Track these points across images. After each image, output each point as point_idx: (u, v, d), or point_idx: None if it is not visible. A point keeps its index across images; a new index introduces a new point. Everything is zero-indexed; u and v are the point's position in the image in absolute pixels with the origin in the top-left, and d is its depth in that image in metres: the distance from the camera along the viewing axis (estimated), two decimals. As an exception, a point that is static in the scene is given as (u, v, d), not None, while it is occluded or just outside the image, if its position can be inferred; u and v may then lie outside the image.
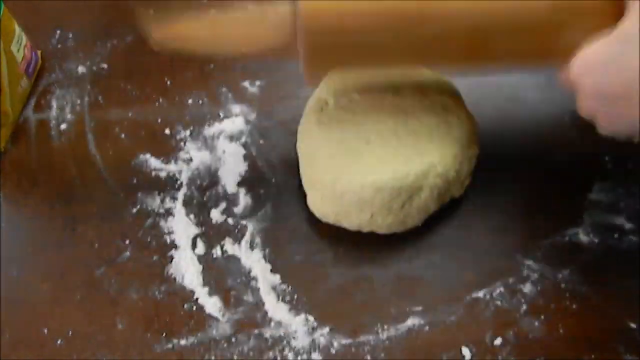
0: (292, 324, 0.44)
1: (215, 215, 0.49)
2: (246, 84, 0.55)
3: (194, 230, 0.48)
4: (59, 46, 0.58)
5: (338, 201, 0.46)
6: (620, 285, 0.45)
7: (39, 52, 0.56)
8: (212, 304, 0.45)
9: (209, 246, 0.48)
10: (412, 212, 0.47)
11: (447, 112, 0.48)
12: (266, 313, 0.45)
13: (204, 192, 0.50)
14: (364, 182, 0.45)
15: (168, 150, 0.52)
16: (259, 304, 0.45)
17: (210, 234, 0.48)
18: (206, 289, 0.46)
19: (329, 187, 0.46)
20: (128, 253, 0.47)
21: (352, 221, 0.47)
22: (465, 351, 0.43)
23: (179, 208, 0.49)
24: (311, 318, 0.44)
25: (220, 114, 0.54)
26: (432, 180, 0.46)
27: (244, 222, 0.49)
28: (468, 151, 0.47)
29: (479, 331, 0.44)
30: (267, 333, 0.44)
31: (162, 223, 0.48)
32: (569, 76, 0.38)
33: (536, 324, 0.44)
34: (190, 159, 0.51)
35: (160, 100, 0.54)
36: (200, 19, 0.43)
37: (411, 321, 0.44)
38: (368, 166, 0.46)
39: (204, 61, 0.56)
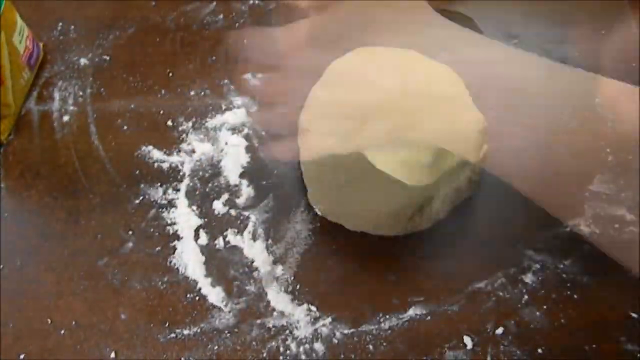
0: (295, 314, 0.44)
1: (218, 206, 0.49)
2: (248, 75, 0.55)
3: (197, 221, 0.48)
4: (61, 38, 0.58)
5: (341, 207, 0.46)
6: (621, 275, 0.45)
7: (41, 44, 0.56)
8: (215, 294, 0.45)
9: (212, 237, 0.48)
10: (421, 222, 0.46)
11: (456, 112, 0.47)
12: (269, 303, 0.45)
13: (207, 183, 0.50)
14: (370, 198, 0.44)
15: (170, 141, 0.52)
16: (261, 294, 0.45)
17: (213, 225, 0.48)
18: (209, 279, 0.46)
19: (332, 194, 0.46)
20: (131, 244, 0.47)
21: (355, 226, 0.47)
22: (467, 340, 0.43)
23: (181, 199, 0.49)
24: (313, 308, 0.45)
25: (223, 105, 0.54)
26: (443, 190, 0.45)
27: (246, 213, 0.49)
28: (480, 153, 0.46)
29: (480, 321, 0.44)
30: (270, 323, 0.44)
31: (164, 214, 0.49)
32: None
33: (537, 313, 0.44)
34: (193, 151, 0.52)
35: (163, 91, 0.55)
36: None
37: (413, 311, 0.45)
38: (375, 175, 0.45)
39: (206, 53, 0.57)
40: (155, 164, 0.51)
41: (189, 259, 0.47)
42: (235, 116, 0.53)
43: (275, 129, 0.48)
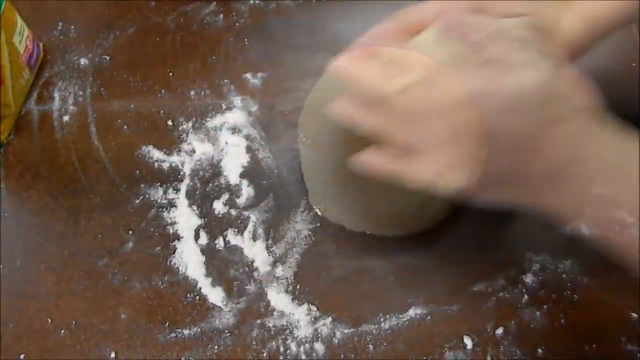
0: (295, 314, 0.44)
1: (218, 206, 0.49)
2: (248, 75, 0.55)
3: (197, 221, 0.48)
4: (62, 38, 0.58)
5: (341, 207, 0.46)
6: (621, 276, 0.45)
7: (41, 44, 0.56)
8: (215, 294, 0.45)
9: (212, 237, 0.48)
10: (422, 223, 0.46)
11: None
12: (269, 303, 0.45)
13: (207, 183, 0.50)
14: (370, 198, 0.44)
15: (171, 141, 0.52)
16: (261, 294, 0.45)
17: (213, 225, 0.48)
18: (209, 279, 0.46)
19: (332, 194, 0.46)
20: (131, 244, 0.47)
21: (356, 226, 0.46)
22: (467, 341, 0.43)
23: (181, 199, 0.49)
24: (314, 308, 0.45)
25: (223, 105, 0.54)
26: None
27: (246, 213, 0.49)
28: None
29: (480, 321, 0.44)
30: (270, 323, 0.44)
31: (165, 214, 0.49)
32: None
33: (537, 314, 0.44)
34: (193, 151, 0.51)
35: (163, 91, 0.54)
36: None
37: (413, 311, 0.45)
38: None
39: (206, 53, 0.57)
40: (156, 164, 0.51)
41: (189, 259, 0.47)
42: (235, 116, 0.53)
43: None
